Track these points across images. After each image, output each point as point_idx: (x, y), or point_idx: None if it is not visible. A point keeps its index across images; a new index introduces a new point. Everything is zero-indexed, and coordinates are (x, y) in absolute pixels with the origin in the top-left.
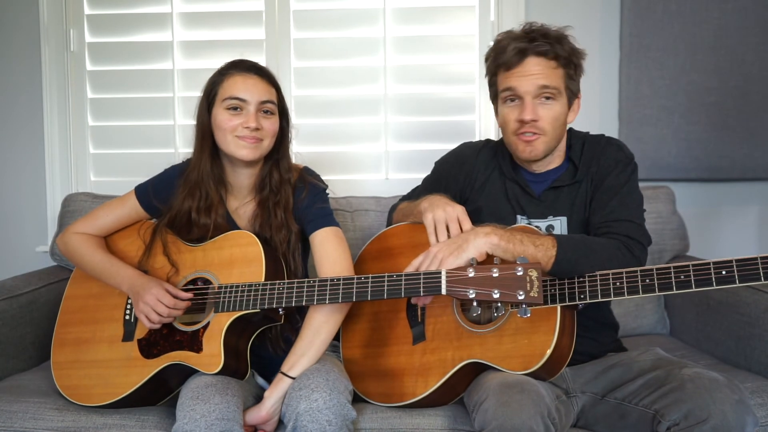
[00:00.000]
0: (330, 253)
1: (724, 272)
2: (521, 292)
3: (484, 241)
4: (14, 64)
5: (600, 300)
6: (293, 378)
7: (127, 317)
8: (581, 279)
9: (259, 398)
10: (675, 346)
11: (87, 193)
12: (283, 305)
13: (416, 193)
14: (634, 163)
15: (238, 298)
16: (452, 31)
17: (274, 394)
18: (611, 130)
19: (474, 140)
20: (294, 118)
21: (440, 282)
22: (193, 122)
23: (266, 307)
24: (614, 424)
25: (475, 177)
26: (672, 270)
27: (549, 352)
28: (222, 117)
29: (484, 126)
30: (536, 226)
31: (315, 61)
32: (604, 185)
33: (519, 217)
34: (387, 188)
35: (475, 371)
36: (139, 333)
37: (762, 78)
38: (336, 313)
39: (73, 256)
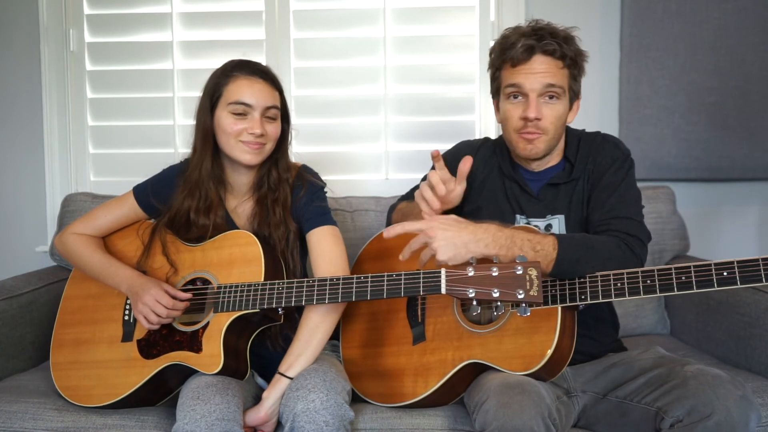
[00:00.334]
0: (326, 251)
1: (725, 273)
2: (521, 291)
3: (483, 253)
4: (14, 64)
5: (601, 301)
6: (291, 378)
7: (126, 318)
8: (582, 280)
9: (258, 398)
10: (675, 346)
11: (87, 193)
12: (283, 305)
13: (415, 193)
14: (630, 159)
15: (238, 298)
16: (452, 31)
17: (272, 394)
18: (611, 130)
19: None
20: (294, 118)
21: (440, 281)
22: (193, 122)
23: (266, 307)
24: (615, 423)
25: (474, 175)
26: (673, 271)
27: (550, 352)
28: (226, 121)
29: (484, 126)
30: (535, 226)
31: (315, 61)
32: (602, 183)
33: (518, 216)
34: (387, 188)
35: (475, 371)
36: (139, 333)
37: (762, 78)
38: (332, 313)
39: (72, 257)
